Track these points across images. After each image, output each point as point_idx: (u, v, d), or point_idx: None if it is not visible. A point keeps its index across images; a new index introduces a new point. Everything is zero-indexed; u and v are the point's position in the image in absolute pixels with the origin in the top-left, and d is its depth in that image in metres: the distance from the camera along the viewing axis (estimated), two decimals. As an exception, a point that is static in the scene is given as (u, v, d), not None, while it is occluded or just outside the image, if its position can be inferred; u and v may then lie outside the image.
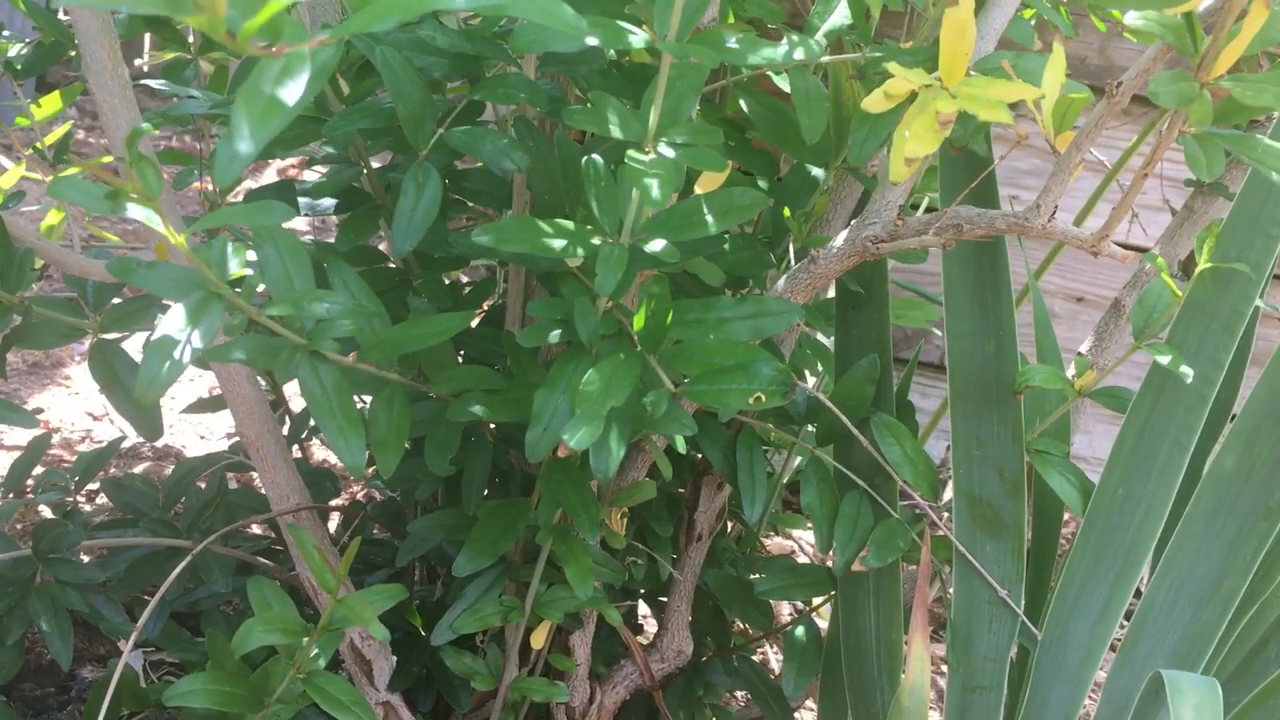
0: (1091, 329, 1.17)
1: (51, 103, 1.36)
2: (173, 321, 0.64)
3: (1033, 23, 1.05)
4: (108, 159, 1.31)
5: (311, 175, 0.99)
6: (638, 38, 0.67)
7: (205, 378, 2.09)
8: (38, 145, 1.28)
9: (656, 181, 0.68)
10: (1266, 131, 0.92)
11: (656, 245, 0.74)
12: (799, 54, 0.72)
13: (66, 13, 1.14)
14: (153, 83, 1.18)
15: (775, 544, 1.70)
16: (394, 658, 1.01)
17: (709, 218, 0.74)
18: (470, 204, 0.98)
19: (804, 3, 1.27)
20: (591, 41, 0.68)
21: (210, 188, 1.39)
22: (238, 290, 0.69)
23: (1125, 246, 1.97)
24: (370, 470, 1.10)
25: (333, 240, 0.95)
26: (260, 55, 0.44)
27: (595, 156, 0.76)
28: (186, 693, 0.85)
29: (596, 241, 0.74)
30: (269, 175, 3.08)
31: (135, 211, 0.61)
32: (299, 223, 2.56)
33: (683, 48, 0.69)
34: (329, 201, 0.96)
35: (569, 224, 0.75)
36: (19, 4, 1.24)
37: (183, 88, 1.21)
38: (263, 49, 0.44)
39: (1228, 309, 0.87)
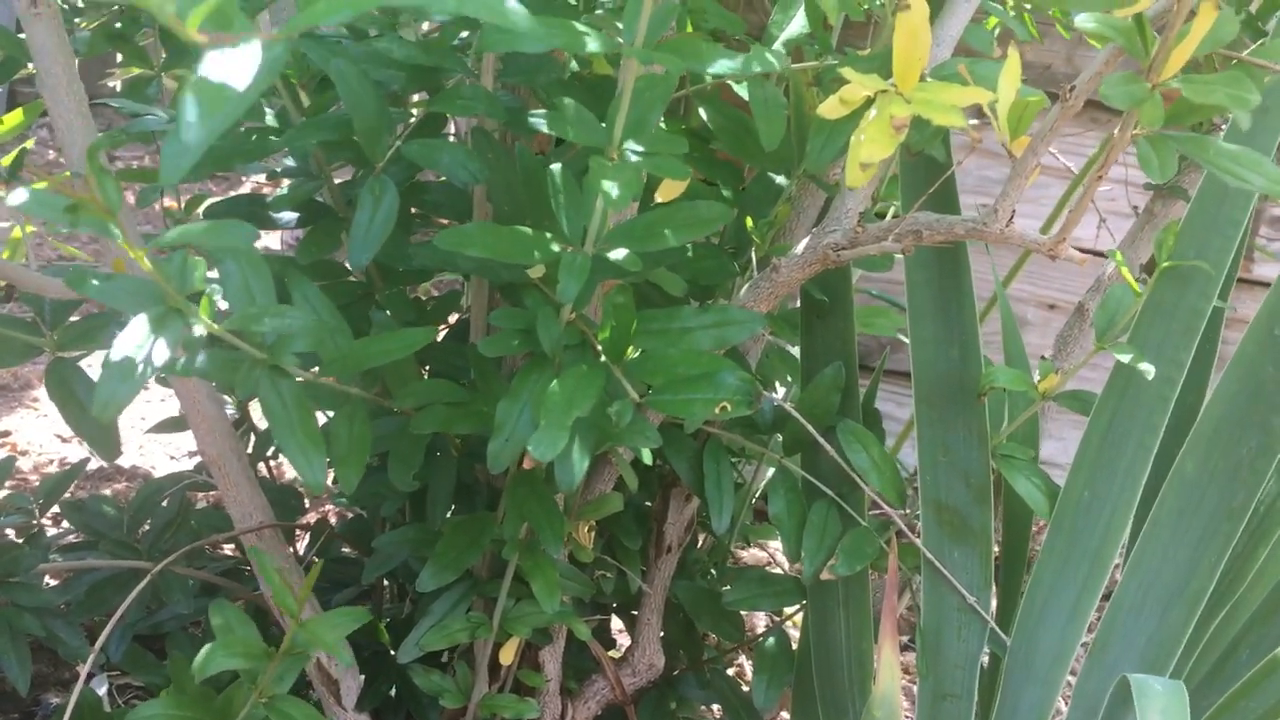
0: (1062, 335, 1.18)
1: (13, 119, 1.35)
2: (131, 338, 0.63)
3: (995, 31, 1.06)
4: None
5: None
6: (594, 43, 0.67)
7: (175, 397, 2.07)
8: (-2, 164, 1.27)
9: (617, 184, 0.67)
10: (1223, 133, 0.93)
11: (619, 254, 0.74)
12: (757, 66, 0.72)
13: (22, 29, 1.14)
14: (112, 101, 1.18)
15: (750, 555, 1.69)
16: (361, 676, 1.00)
17: (671, 229, 0.74)
18: (432, 217, 0.98)
19: (767, 13, 1.27)
20: (552, 43, 0.68)
21: (175, 205, 1.37)
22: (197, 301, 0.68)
23: (1092, 252, 1.99)
24: (336, 487, 1.09)
25: (294, 253, 0.94)
26: (209, 45, 0.43)
27: (558, 165, 0.76)
28: (148, 718, 0.84)
29: (558, 249, 0.74)
30: (244, 185, 3.07)
31: (94, 224, 0.60)
32: (272, 239, 2.54)
33: (648, 54, 0.68)
34: (292, 215, 0.96)
35: (531, 231, 0.75)
36: (-22, 22, 1.23)
37: (144, 105, 1.20)
38: (212, 38, 0.43)
39: (1187, 309, 0.88)
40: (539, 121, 0.69)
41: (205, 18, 0.40)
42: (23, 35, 1.25)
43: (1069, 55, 1.79)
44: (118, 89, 1.33)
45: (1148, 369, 0.85)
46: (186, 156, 0.40)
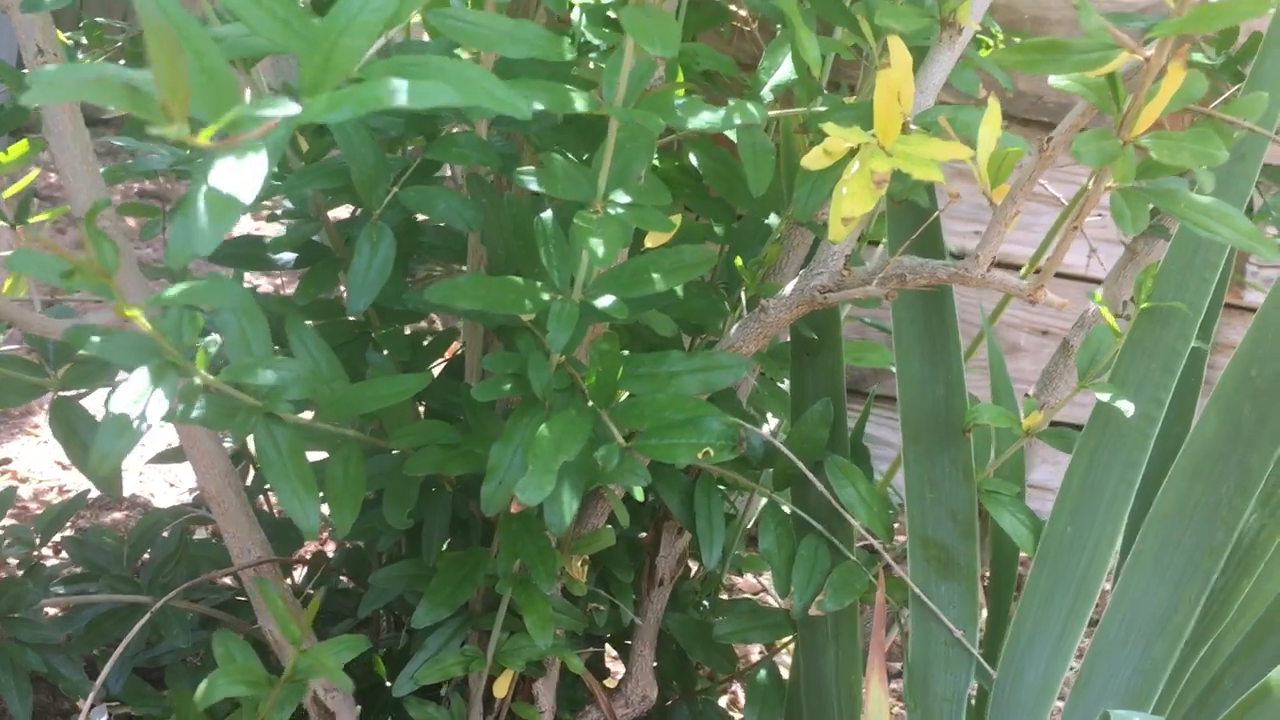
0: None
1: (18, 150, 1.36)
2: (129, 393, 0.64)
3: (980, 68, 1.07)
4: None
5: (273, 228, 1.00)
6: (581, 102, 0.69)
7: (172, 426, 2.09)
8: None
9: (602, 241, 0.69)
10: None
11: (606, 301, 0.76)
12: (738, 119, 0.74)
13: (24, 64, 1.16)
14: (116, 140, 1.20)
15: (745, 582, 1.70)
16: (358, 708, 1.01)
17: (658, 275, 0.76)
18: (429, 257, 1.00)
19: (760, 46, 1.29)
20: (538, 107, 0.70)
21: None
22: (194, 354, 0.70)
23: (1082, 279, 1.99)
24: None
25: (292, 294, 0.96)
26: (216, 147, 0.45)
27: (546, 215, 0.78)
28: (152, 749, 0.86)
29: (547, 298, 0.76)
30: (241, 223, 3.09)
31: (92, 287, 0.62)
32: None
33: (629, 112, 0.70)
34: (290, 256, 0.98)
35: (520, 280, 0.77)
36: (-16, 60, 1.26)
37: (146, 144, 1.22)
38: (222, 143, 0.45)
39: (1166, 349, 0.89)
40: (529, 179, 0.71)
41: (220, 128, 0.42)
42: (25, 70, 1.27)
43: (1059, 86, 1.81)
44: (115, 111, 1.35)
45: (1126, 407, 0.86)
46: (192, 256, 0.43)
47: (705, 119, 0.71)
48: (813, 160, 0.72)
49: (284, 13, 0.53)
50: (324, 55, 0.50)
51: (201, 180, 0.43)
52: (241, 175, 0.43)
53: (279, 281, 2.33)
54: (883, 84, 0.69)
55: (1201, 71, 0.67)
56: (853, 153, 0.70)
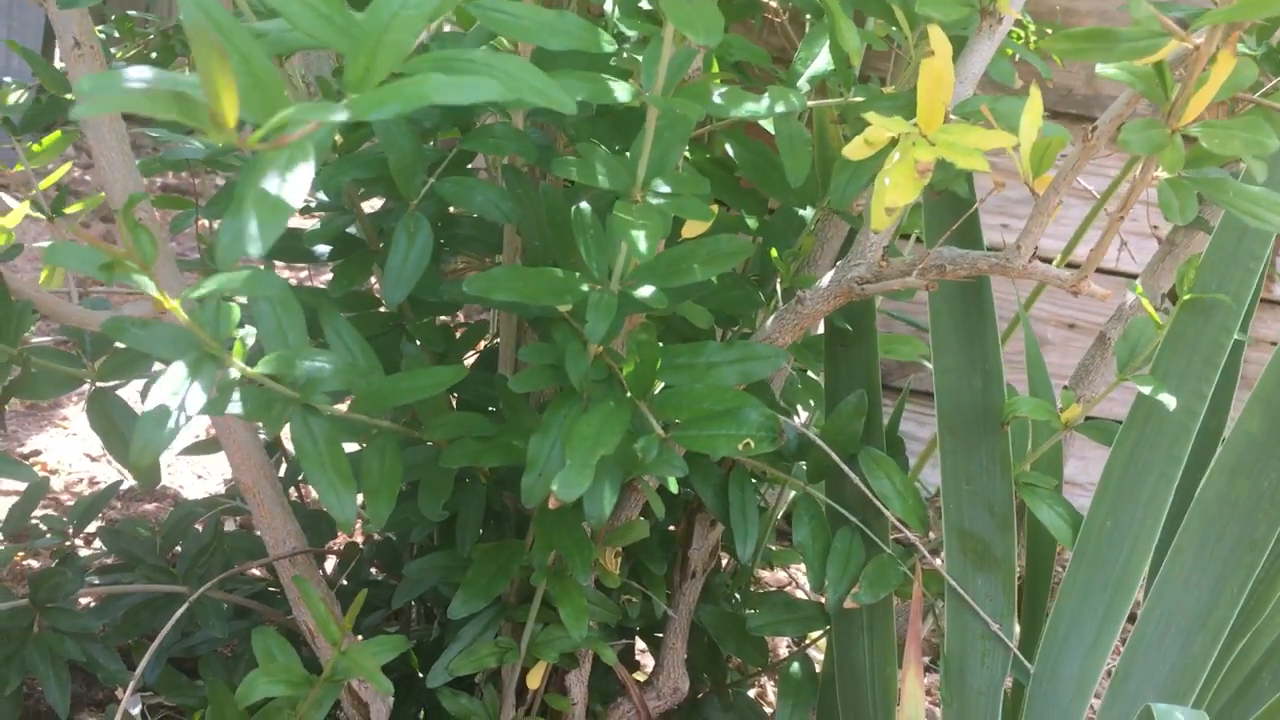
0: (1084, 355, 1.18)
1: (50, 140, 1.37)
2: (168, 385, 0.65)
3: (1016, 57, 1.07)
4: (104, 195, 1.32)
5: (300, 221, 1.00)
6: (622, 92, 0.68)
7: (203, 417, 2.10)
8: (30, 194, 1.29)
9: (644, 233, 0.69)
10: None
11: (645, 291, 0.76)
12: (780, 107, 0.73)
13: (62, 62, 1.17)
14: (150, 131, 1.20)
15: (772, 576, 1.70)
16: (391, 699, 1.02)
17: (696, 265, 0.75)
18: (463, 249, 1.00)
19: (791, 39, 1.29)
20: (579, 96, 0.70)
21: (209, 227, 1.40)
22: (231, 345, 0.70)
23: (1114, 273, 1.97)
24: (366, 512, 1.11)
25: (325, 285, 0.96)
26: (263, 149, 0.45)
27: (583, 205, 0.77)
28: (190, 742, 0.86)
29: (586, 289, 0.76)
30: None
31: (130, 280, 0.62)
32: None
33: (669, 101, 0.70)
34: (325, 248, 0.98)
35: (558, 272, 0.77)
36: (17, 48, 1.26)
37: (180, 135, 1.23)
38: (267, 144, 0.45)
39: (1209, 341, 0.88)
40: (570, 170, 0.71)
41: (266, 133, 0.42)
42: (61, 65, 1.28)
43: (1089, 78, 1.79)
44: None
45: (1169, 400, 0.86)
46: (245, 253, 0.42)
47: (748, 108, 0.71)
48: (854, 150, 0.72)
49: (325, 8, 0.52)
50: (369, 53, 0.49)
51: (251, 182, 0.43)
52: (291, 179, 0.43)
53: (303, 274, 2.34)
54: (926, 73, 0.68)
55: (1251, 59, 0.66)
56: (894, 142, 0.70)
